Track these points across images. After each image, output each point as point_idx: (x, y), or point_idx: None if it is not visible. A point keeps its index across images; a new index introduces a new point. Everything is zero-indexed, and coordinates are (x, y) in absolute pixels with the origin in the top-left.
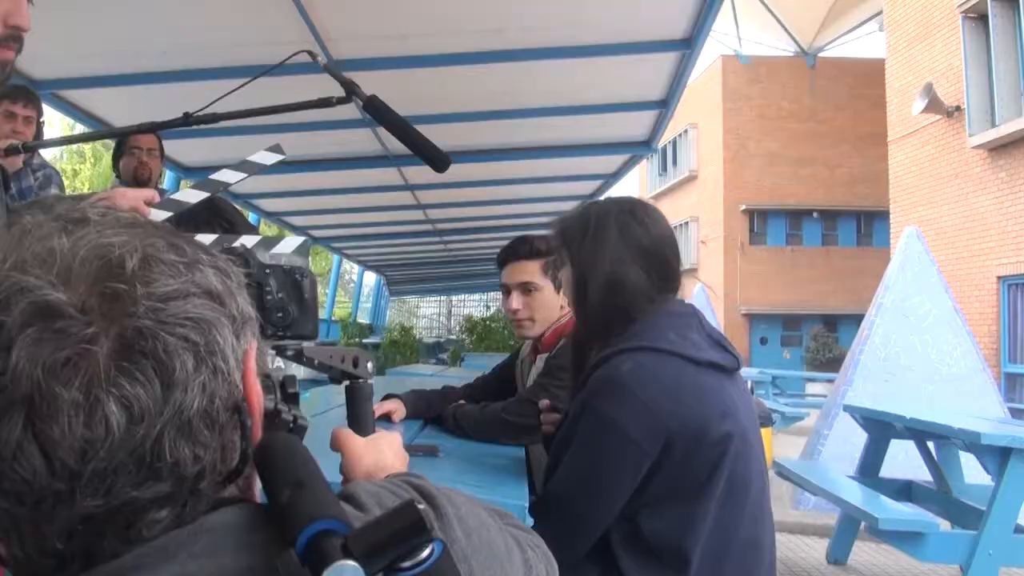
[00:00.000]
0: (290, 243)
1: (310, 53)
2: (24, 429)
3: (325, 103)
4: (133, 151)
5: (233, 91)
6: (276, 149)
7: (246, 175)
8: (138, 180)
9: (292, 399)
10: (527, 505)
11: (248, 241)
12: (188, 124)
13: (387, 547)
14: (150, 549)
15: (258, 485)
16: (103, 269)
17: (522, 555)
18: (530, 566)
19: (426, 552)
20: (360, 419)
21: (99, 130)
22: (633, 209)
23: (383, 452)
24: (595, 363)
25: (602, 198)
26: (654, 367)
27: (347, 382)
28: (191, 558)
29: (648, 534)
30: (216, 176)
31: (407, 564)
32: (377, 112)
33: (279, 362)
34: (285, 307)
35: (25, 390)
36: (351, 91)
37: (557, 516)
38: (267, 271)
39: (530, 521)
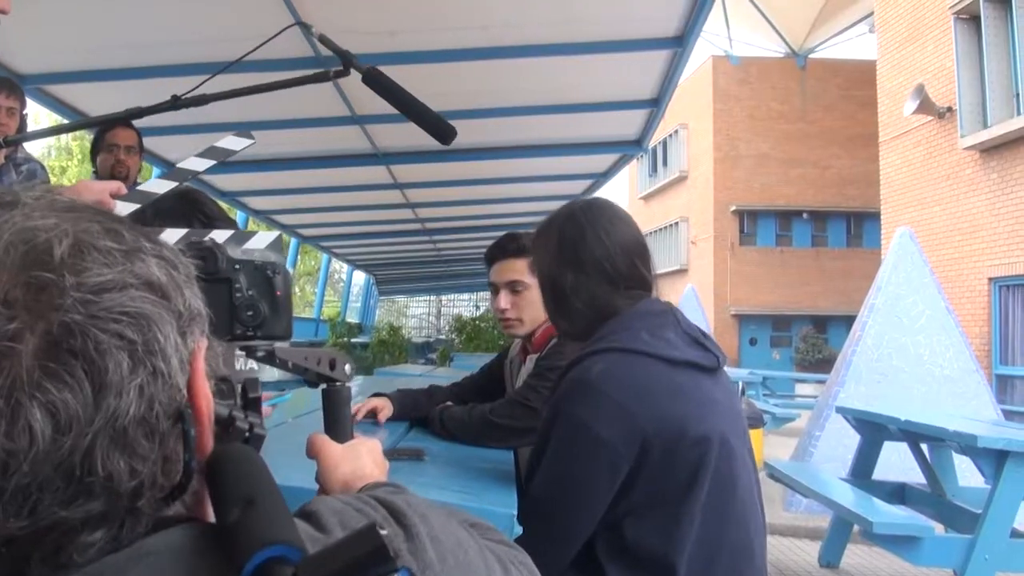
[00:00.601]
0: (264, 238)
1: (303, 25)
2: None
3: (323, 77)
4: (111, 148)
5: (222, 70)
6: (245, 135)
7: (214, 161)
8: (116, 178)
9: (253, 405)
10: (515, 513)
11: (221, 235)
12: (176, 107)
13: None
14: None
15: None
16: (28, 256)
17: (505, 574)
18: None
19: None
20: (337, 424)
21: (80, 120)
22: (578, 217)
23: (362, 459)
24: (567, 366)
25: (568, 202)
26: (626, 368)
27: (324, 385)
28: None
29: (633, 542)
30: (184, 165)
31: None
32: (377, 84)
33: (252, 365)
34: (255, 305)
35: None
36: (349, 63)
37: (537, 524)
38: (236, 267)
39: (519, 529)
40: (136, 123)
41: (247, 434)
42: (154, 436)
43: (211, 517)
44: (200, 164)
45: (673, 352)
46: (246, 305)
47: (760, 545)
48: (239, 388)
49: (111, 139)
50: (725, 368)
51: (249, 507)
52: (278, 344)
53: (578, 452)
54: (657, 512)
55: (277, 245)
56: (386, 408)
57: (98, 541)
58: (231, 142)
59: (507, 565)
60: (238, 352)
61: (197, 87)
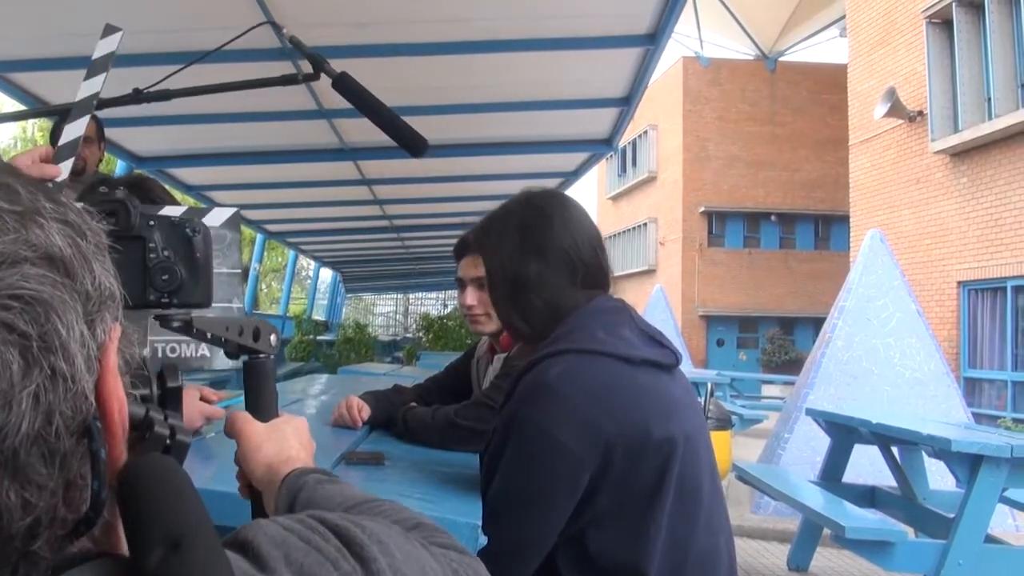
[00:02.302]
0: (220, 214)
1: (274, 25)
2: None
3: (291, 80)
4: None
5: (188, 65)
6: (110, 30)
7: (104, 73)
8: (73, 171)
9: (172, 397)
10: (479, 524)
11: (175, 211)
12: (138, 101)
13: None
14: None
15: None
16: None
17: None
18: None
19: None
20: (260, 402)
21: (37, 107)
22: (541, 205)
23: (287, 440)
24: (522, 369)
25: (519, 192)
26: (584, 369)
27: (245, 358)
28: None
29: (598, 554)
30: (81, 95)
31: None
32: (348, 90)
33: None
34: (172, 268)
35: None
36: (320, 67)
37: (496, 536)
38: (151, 223)
39: (483, 540)
40: (100, 115)
41: (167, 442)
42: (53, 458)
43: (123, 547)
44: (94, 85)
45: (632, 351)
46: (161, 268)
47: (727, 547)
48: (155, 376)
49: None
50: (695, 369)
51: (174, 550)
52: (196, 312)
53: (538, 459)
54: (622, 520)
55: (234, 222)
56: (364, 409)
57: None
58: (106, 46)
59: None
60: (151, 321)
61: (161, 81)
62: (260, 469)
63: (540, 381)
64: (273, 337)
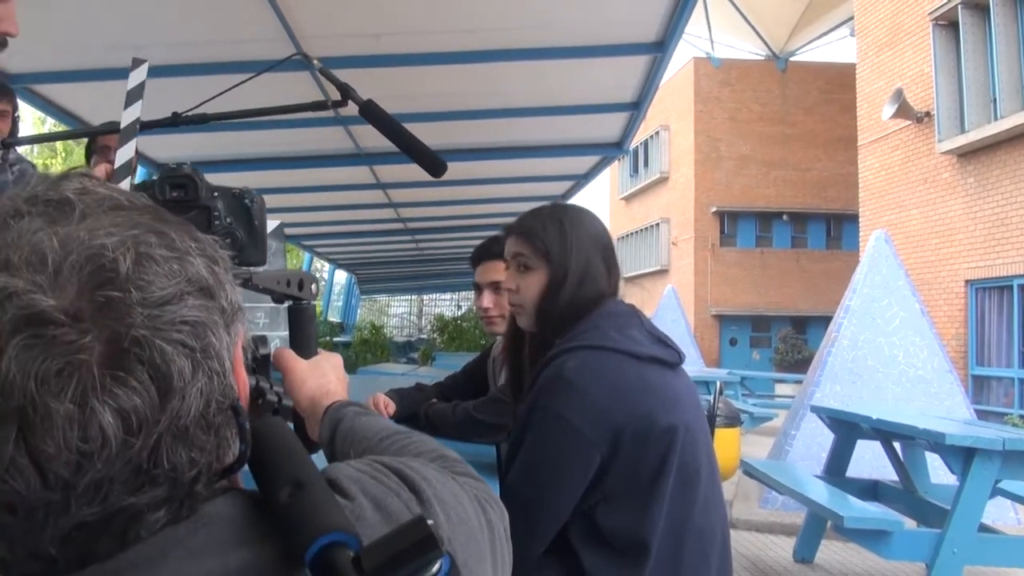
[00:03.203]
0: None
1: (305, 56)
2: (16, 443)
3: (320, 106)
4: (104, 150)
5: (225, 92)
6: (137, 62)
7: (139, 100)
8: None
9: (263, 363)
10: None
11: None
12: (176, 124)
13: (398, 564)
14: (146, 547)
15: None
16: (95, 273)
17: (485, 516)
18: (492, 527)
19: (434, 568)
20: (304, 341)
21: (80, 128)
22: (584, 209)
23: (326, 375)
24: (540, 365)
25: (542, 204)
26: (598, 364)
27: (289, 303)
28: (190, 556)
29: (606, 528)
30: (124, 124)
31: None
32: (374, 116)
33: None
34: (233, 232)
35: (17, 402)
36: (347, 94)
37: (513, 513)
38: (215, 194)
39: None
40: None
41: (276, 406)
42: (210, 429)
43: (241, 484)
44: (134, 112)
45: (640, 348)
46: (224, 232)
47: (723, 530)
48: (251, 345)
49: (103, 141)
50: (707, 368)
51: (299, 489)
52: (253, 269)
53: (554, 444)
54: (628, 499)
55: (279, 233)
56: (390, 405)
57: (161, 518)
58: (136, 76)
59: (484, 505)
60: None
61: (199, 105)
62: (304, 401)
63: (558, 375)
64: (314, 287)
